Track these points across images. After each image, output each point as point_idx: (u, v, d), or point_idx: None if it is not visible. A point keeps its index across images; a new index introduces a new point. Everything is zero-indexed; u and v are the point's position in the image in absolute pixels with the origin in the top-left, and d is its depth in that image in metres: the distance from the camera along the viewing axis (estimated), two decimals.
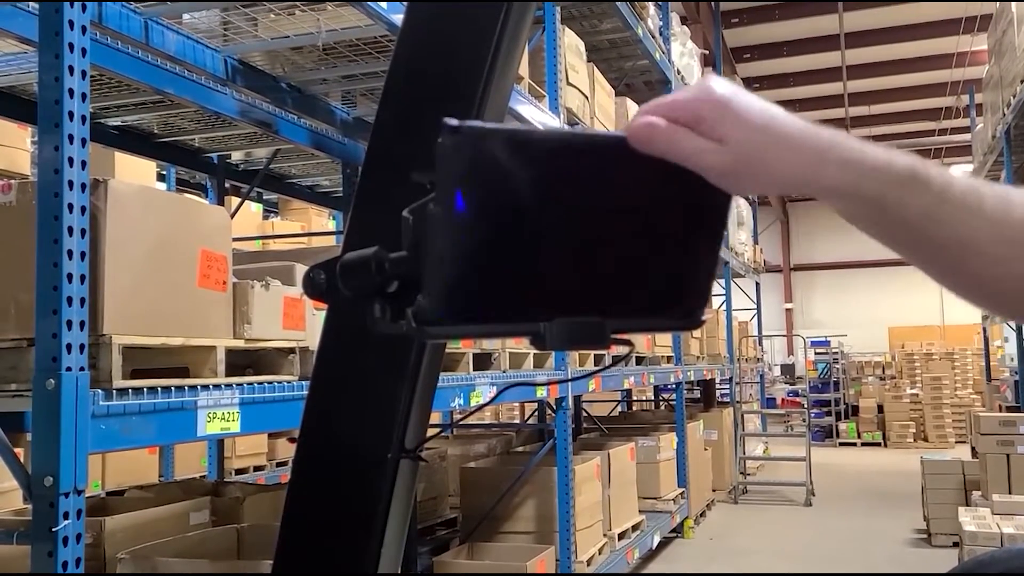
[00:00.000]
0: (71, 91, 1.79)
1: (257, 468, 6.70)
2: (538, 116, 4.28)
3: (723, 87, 0.62)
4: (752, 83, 14.96)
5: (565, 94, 4.72)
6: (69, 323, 1.74)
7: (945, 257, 0.67)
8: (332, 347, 0.93)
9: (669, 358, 7.27)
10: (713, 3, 11.87)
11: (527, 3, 0.89)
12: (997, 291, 0.67)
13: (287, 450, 6.80)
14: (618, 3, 5.64)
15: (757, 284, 13.36)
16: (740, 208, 11.13)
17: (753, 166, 0.61)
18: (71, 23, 1.80)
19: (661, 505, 6.52)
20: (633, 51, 6.69)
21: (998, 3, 8.18)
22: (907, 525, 7.21)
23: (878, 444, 13.99)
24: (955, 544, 6.07)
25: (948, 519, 6.31)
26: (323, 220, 7.79)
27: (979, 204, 0.65)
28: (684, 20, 9.40)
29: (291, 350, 2.58)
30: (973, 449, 7.76)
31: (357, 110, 4.48)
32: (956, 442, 13.33)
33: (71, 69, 1.79)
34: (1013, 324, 8.65)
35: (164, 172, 5.98)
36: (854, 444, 14.12)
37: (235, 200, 5.57)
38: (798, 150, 0.62)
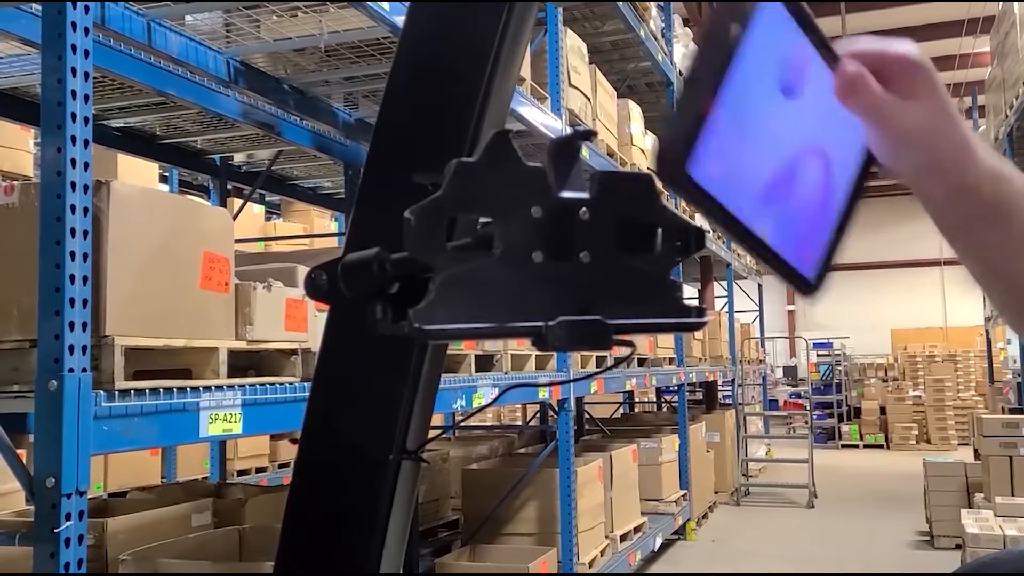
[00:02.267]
0: (74, 93, 1.79)
1: (259, 469, 6.70)
2: (540, 118, 4.28)
3: (925, 56, 0.63)
4: None
5: (567, 96, 4.72)
6: (71, 324, 1.75)
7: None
8: (334, 348, 0.93)
9: (671, 360, 7.27)
10: (714, 5, 11.86)
11: (529, 4, 0.89)
12: None
13: (289, 452, 6.80)
14: (620, 4, 5.64)
15: (759, 286, 13.36)
16: None
17: (932, 134, 0.62)
18: (74, 25, 1.80)
19: (663, 507, 6.51)
20: (635, 53, 6.69)
21: (1000, 5, 8.18)
22: (909, 527, 7.20)
23: (880, 446, 13.97)
24: (958, 546, 6.05)
25: (951, 521, 6.30)
26: (325, 222, 7.81)
27: None
28: (686, 22, 9.40)
29: (293, 351, 2.58)
30: (976, 451, 7.74)
31: (359, 112, 4.48)
32: (959, 444, 13.32)
33: (74, 71, 1.79)
34: None
35: (166, 174, 5.99)
36: (856, 446, 14.11)
37: (237, 202, 5.58)
38: (959, 132, 0.62)
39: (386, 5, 2.87)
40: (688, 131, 0.53)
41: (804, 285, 0.64)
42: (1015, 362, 9.29)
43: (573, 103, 4.87)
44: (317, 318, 2.69)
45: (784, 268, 0.61)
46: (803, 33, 0.57)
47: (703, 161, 0.53)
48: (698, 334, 8.20)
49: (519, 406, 9.57)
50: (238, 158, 5.16)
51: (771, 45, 0.55)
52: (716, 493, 8.40)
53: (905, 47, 0.63)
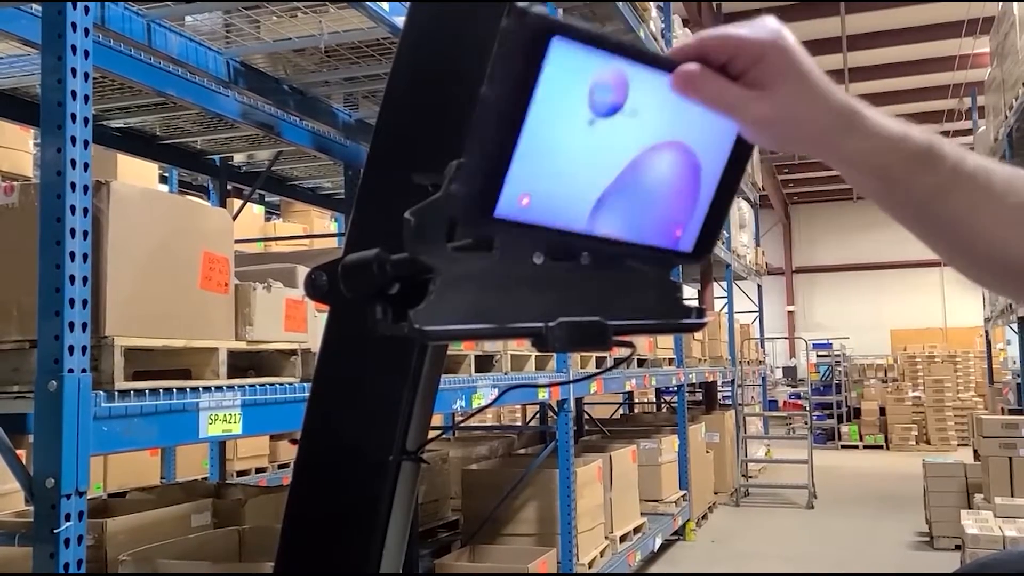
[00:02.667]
0: (74, 93, 1.79)
1: (259, 470, 6.70)
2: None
3: (787, 33, 0.63)
4: None
5: None
6: (71, 325, 1.75)
7: (953, 234, 0.67)
8: (334, 349, 0.93)
9: (671, 360, 7.27)
10: (715, 5, 11.87)
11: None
12: (1002, 269, 0.68)
13: (289, 452, 6.80)
14: (620, 5, 5.64)
15: (759, 287, 13.35)
16: (742, 210, 11.12)
17: (789, 120, 0.62)
18: (74, 25, 1.80)
19: (663, 508, 6.51)
20: None
21: (1000, 6, 8.18)
22: (909, 528, 7.20)
23: (880, 447, 13.97)
24: (957, 547, 6.05)
25: (950, 522, 6.30)
26: (325, 222, 7.80)
27: (988, 182, 0.65)
28: (686, 23, 9.41)
29: (293, 352, 2.58)
30: (975, 452, 7.74)
31: (359, 112, 4.48)
32: (958, 445, 13.31)
33: (74, 71, 1.79)
34: (1016, 327, 8.64)
35: (166, 174, 5.99)
36: (856, 447, 14.10)
37: (237, 202, 5.58)
38: (829, 111, 0.62)
39: (386, 6, 2.87)
40: (489, 182, 0.54)
41: (682, 258, 0.68)
42: (1015, 363, 9.30)
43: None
44: (317, 319, 2.69)
45: (648, 252, 0.65)
46: (615, 56, 0.58)
47: (514, 196, 0.55)
48: (698, 335, 8.20)
49: (519, 407, 9.57)
50: (238, 158, 5.16)
51: (574, 77, 0.56)
52: (716, 494, 8.39)
53: (757, 32, 0.62)
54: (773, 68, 0.61)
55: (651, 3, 6.51)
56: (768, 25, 0.63)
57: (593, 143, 0.58)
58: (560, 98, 0.55)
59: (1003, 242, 0.65)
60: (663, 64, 0.60)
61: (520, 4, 0.53)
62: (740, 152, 0.66)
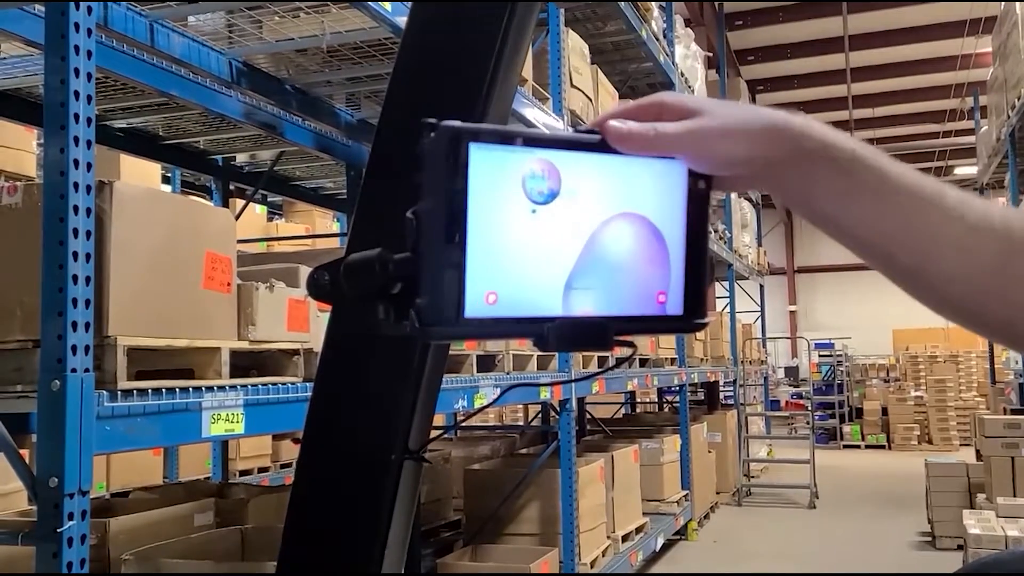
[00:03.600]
0: (77, 93, 1.79)
1: (261, 469, 6.71)
2: (542, 118, 4.28)
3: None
4: (756, 85, 14.96)
5: (569, 97, 4.72)
6: (74, 324, 1.75)
7: (903, 254, 0.65)
8: (336, 348, 0.93)
9: (673, 360, 7.27)
10: (717, 5, 11.87)
11: (531, 4, 0.89)
12: (954, 294, 0.65)
13: (291, 451, 6.81)
14: (622, 5, 5.64)
15: (761, 286, 13.35)
16: (744, 210, 11.12)
17: (709, 139, 0.63)
18: (77, 26, 1.81)
19: (665, 507, 6.51)
20: (637, 53, 6.69)
21: (1002, 5, 8.17)
22: (911, 528, 7.19)
23: (882, 447, 13.96)
24: (959, 547, 6.04)
25: (952, 522, 6.29)
26: (327, 222, 7.81)
27: (941, 197, 0.63)
28: (688, 22, 9.41)
29: (295, 351, 2.59)
30: (977, 452, 7.74)
31: (361, 112, 4.48)
32: (960, 445, 13.30)
33: (77, 71, 1.80)
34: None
35: (169, 174, 6.00)
36: (858, 447, 14.10)
37: (239, 202, 5.58)
38: (744, 124, 0.63)
39: (388, 6, 2.87)
40: (450, 289, 0.56)
41: (674, 323, 0.67)
42: (1017, 363, 9.28)
43: (575, 104, 4.87)
44: (319, 318, 2.69)
45: (637, 324, 0.65)
46: (536, 148, 0.59)
47: (479, 297, 0.57)
48: (700, 334, 8.20)
49: (521, 406, 9.57)
50: (240, 159, 5.17)
51: (503, 173, 0.57)
52: (718, 494, 8.39)
53: (655, 96, 0.66)
54: (695, 101, 0.64)
55: (653, 3, 6.51)
56: (656, 94, 0.68)
57: (542, 230, 0.59)
58: (496, 195, 0.57)
59: (958, 260, 0.63)
60: (586, 144, 0.62)
61: (429, 120, 0.56)
62: (697, 206, 0.67)
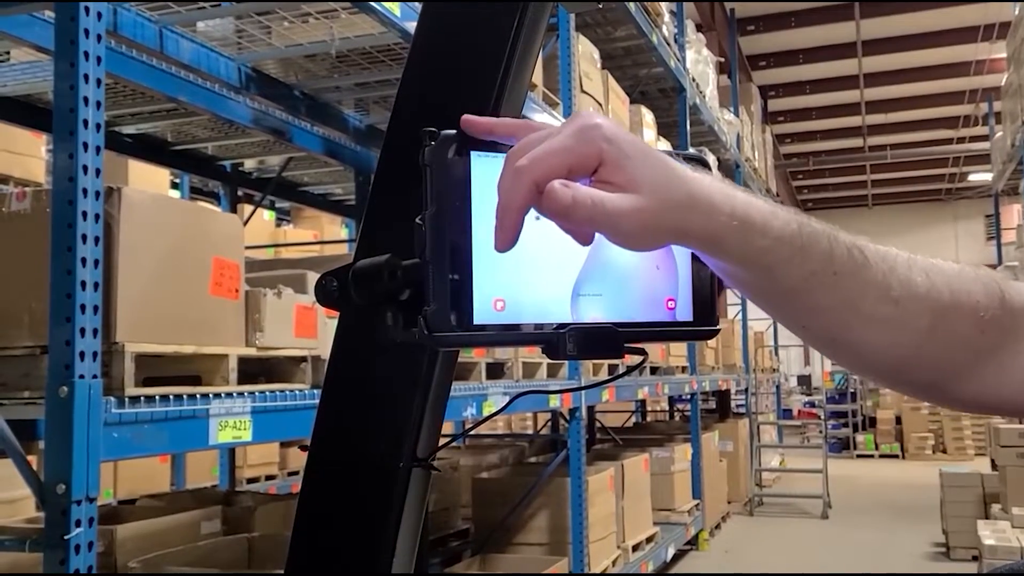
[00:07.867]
0: (86, 99, 1.79)
1: (268, 477, 6.70)
2: (553, 124, 4.26)
3: (601, 119, 0.55)
4: (768, 91, 14.92)
5: (579, 102, 4.71)
6: (82, 330, 1.74)
7: (824, 321, 0.60)
8: (344, 355, 0.91)
9: (684, 368, 7.23)
10: (729, 10, 11.85)
11: (543, 5, 0.87)
12: (880, 359, 0.62)
13: (298, 459, 6.80)
14: (630, 4, 5.62)
15: None
16: None
17: (670, 212, 0.53)
18: (86, 31, 1.80)
19: (676, 517, 6.47)
20: (647, 59, 6.67)
21: (1016, 10, 8.12)
22: (926, 539, 7.12)
23: (896, 456, 13.85)
24: (974, 558, 5.98)
25: (967, 532, 6.22)
26: (336, 228, 7.82)
27: (864, 262, 0.59)
28: (699, 27, 9.39)
29: (303, 358, 2.57)
30: (992, 462, 7.66)
31: (370, 118, 4.49)
32: (975, 454, 13.19)
33: (86, 77, 1.79)
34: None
35: (178, 180, 6.02)
36: (872, 456, 14.00)
37: (248, 208, 5.60)
38: (679, 192, 0.54)
39: (397, 11, 2.87)
40: (458, 294, 0.56)
41: (685, 329, 0.66)
42: None
43: (585, 109, 4.85)
44: (327, 325, 2.68)
45: (647, 330, 0.64)
46: None
47: (487, 303, 0.57)
48: (711, 342, 8.16)
49: (530, 414, 9.54)
50: (249, 164, 5.18)
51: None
52: (729, 503, 8.33)
53: (577, 126, 0.56)
54: (619, 165, 0.54)
55: (663, 5, 6.49)
56: (580, 121, 0.56)
57: (546, 236, 0.59)
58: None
59: (880, 326, 0.59)
60: None
61: (429, 129, 0.57)
62: None
